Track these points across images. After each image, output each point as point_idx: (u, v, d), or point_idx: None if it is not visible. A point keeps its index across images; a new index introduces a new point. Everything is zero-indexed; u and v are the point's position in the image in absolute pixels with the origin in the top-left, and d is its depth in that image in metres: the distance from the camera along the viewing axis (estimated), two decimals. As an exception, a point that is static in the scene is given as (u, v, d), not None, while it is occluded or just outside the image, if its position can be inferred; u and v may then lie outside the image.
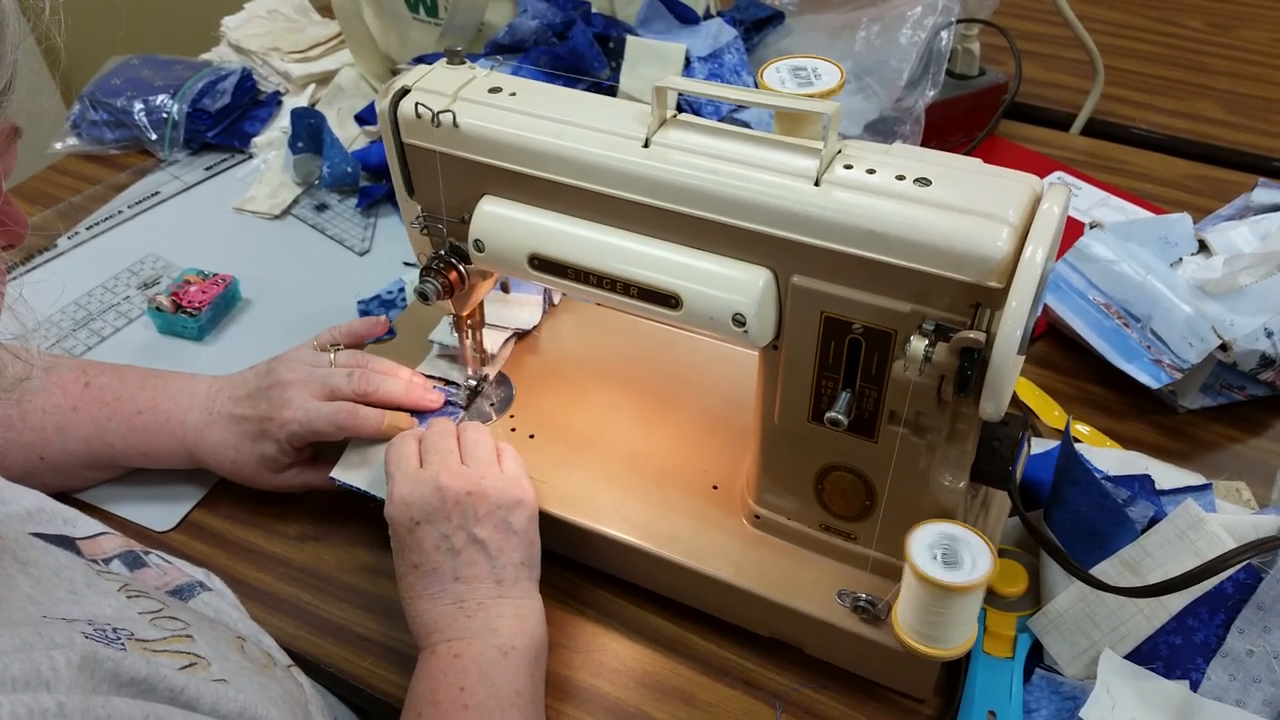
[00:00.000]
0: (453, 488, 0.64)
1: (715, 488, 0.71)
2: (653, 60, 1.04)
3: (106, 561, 0.61)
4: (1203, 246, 0.87)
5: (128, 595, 0.52)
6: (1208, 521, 0.62)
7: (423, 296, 0.68)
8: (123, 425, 0.75)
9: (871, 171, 0.55)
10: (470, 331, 0.75)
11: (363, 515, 0.78)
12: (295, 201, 1.10)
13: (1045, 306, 0.85)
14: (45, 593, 0.48)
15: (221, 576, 0.74)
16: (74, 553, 0.57)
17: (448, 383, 0.79)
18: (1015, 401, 0.83)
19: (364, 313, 0.93)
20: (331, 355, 0.75)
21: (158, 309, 0.93)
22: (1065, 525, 0.66)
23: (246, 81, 1.20)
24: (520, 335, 0.83)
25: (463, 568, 0.64)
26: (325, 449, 0.77)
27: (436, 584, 0.64)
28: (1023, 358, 0.53)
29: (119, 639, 0.45)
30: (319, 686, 0.71)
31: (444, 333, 0.81)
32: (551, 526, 0.71)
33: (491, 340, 0.80)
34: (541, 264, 0.63)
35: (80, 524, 0.64)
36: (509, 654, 0.62)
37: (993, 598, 0.68)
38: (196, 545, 0.77)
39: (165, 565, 0.64)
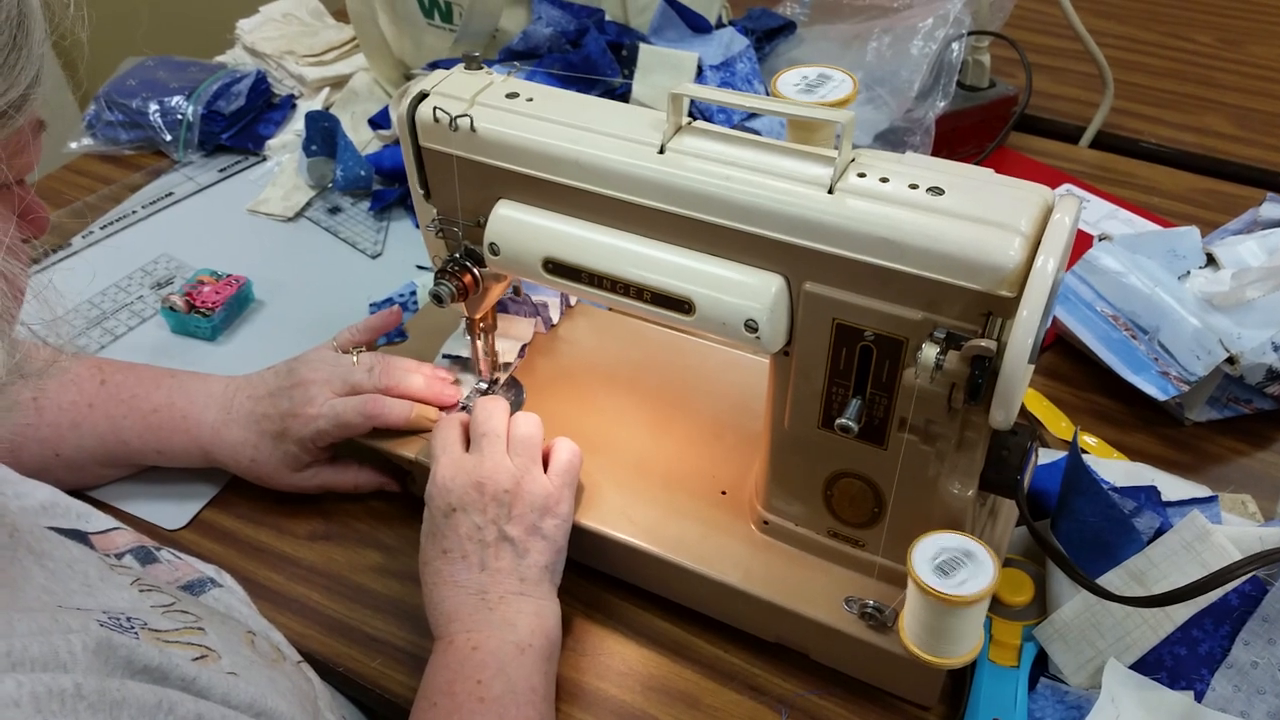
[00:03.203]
0: (493, 482, 0.65)
1: (724, 493, 0.72)
2: (665, 68, 1.04)
3: (119, 556, 0.61)
4: (1211, 260, 0.88)
5: (140, 589, 0.52)
6: (1213, 533, 0.62)
7: (437, 299, 0.69)
8: (138, 423, 0.76)
9: (885, 180, 0.55)
10: (483, 334, 0.76)
11: (374, 515, 0.79)
12: (308, 204, 1.11)
13: (1054, 318, 0.86)
14: (60, 584, 0.48)
15: (232, 575, 0.75)
16: (87, 547, 0.57)
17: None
18: (1023, 412, 0.83)
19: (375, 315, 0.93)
20: (354, 356, 0.76)
21: (171, 309, 0.94)
22: (1072, 535, 0.67)
23: (261, 84, 1.21)
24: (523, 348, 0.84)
25: (490, 560, 0.65)
26: (343, 450, 0.78)
27: (463, 572, 0.65)
28: (1033, 367, 0.54)
29: (133, 628, 0.45)
30: (328, 685, 0.72)
31: (451, 347, 0.82)
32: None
33: (505, 351, 0.81)
34: (556, 268, 0.63)
35: (93, 519, 0.64)
36: (526, 651, 0.62)
37: (999, 606, 0.68)
38: (207, 544, 0.78)
39: (176, 561, 0.65)
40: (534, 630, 0.63)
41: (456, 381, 0.79)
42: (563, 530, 0.67)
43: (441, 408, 0.77)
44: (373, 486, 0.79)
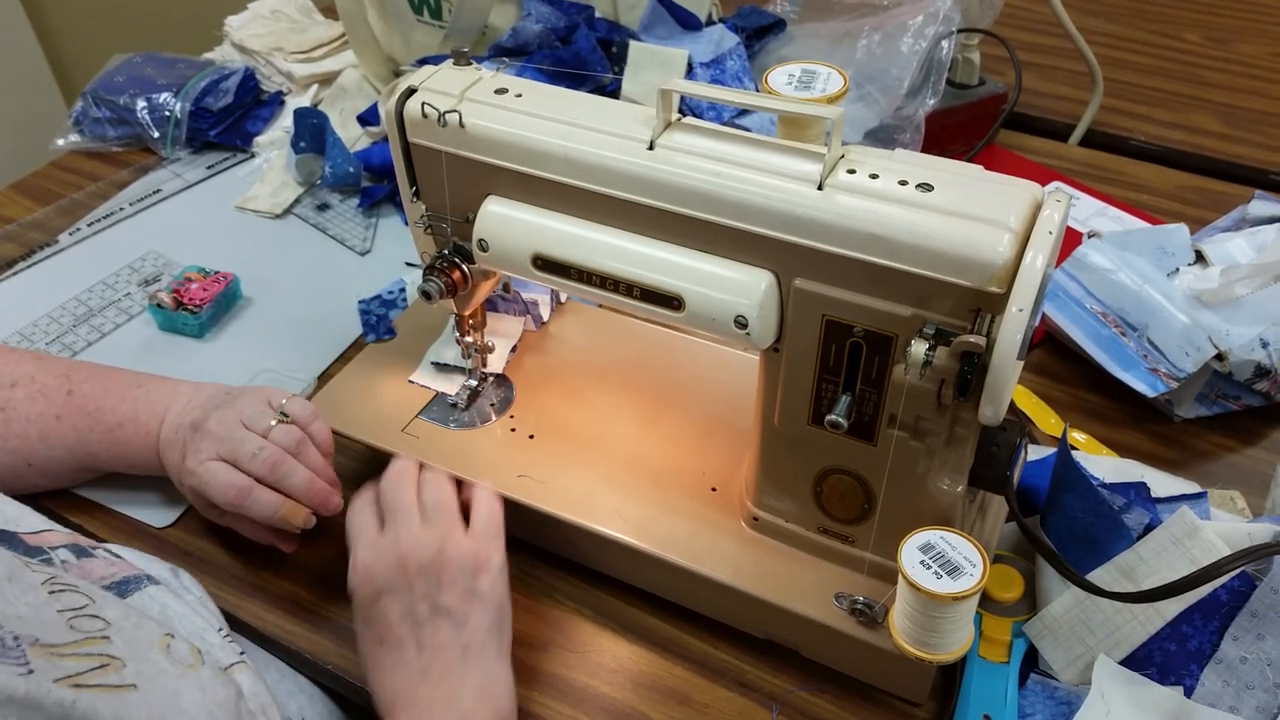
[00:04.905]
0: (414, 557, 0.62)
1: (714, 490, 0.72)
2: (655, 65, 1.04)
3: (53, 549, 0.60)
4: (1199, 257, 0.88)
5: (50, 591, 0.51)
6: (1203, 529, 0.62)
7: (426, 295, 0.69)
8: (104, 437, 0.75)
9: (874, 176, 0.55)
10: (472, 331, 0.76)
11: (362, 513, 0.79)
12: (297, 201, 1.10)
13: (1043, 315, 0.86)
14: None
15: (218, 573, 0.75)
16: (10, 546, 0.57)
17: (439, 393, 0.79)
18: (1012, 408, 0.84)
19: (364, 312, 0.93)
20: (275, 419, 0.72)
21: (159, 306, 0.93)
22: (1061, 531, 0.67)
23: (249, 81, 1.21)
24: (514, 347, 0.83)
25: (427, 637, 0.62)
26: None
27: (400, 656, 0.62)
28: (1022, 363, 0.54)
29: (19, 646, 0.44)
30: (318, 686, 0.72)
31: (438, 353, 0.81)
32: (550, 527, 0.71)
33: (495, 349, 0.80)
34: (545, 264, 0.63)
35: (25, 520, 0.64)
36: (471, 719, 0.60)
37: (989, 603, 0.68)
38: (194, 541, 0.77)
39: (113, 559, 0.63)
40: (480, 698, 0.60)
41: (337, 487, 0.74)
42: (500, 585, 0.64)
43: (317, 515, 0.72)
44: (265, 541, 0.75)
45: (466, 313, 0.74)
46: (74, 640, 0.48)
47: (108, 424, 0.75)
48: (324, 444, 0.74)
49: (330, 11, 1.29)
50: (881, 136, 1.03)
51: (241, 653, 0.63)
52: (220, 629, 0.63)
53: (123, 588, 0.61)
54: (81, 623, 0.50)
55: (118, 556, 0.64)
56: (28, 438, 0.74)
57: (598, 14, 1.10)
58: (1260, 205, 0.95)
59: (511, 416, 0.77)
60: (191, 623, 0.62)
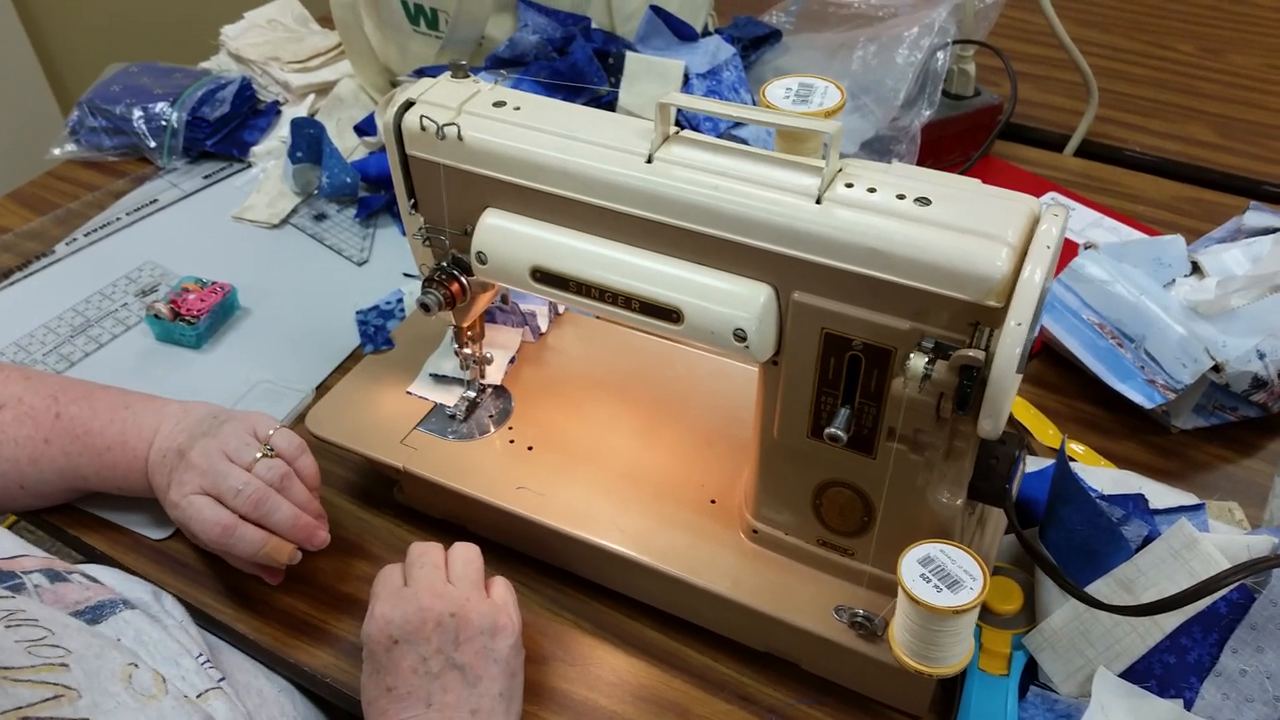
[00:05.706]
0: (435, 608, 0.62)
1: (713, 502, 0.72)
2: (652, 76, 1.04)
3: (26, 574, 0.60)
4: (1196, 268, 0.88)
5: (7, 625, 0.51)
6: (1201, 541, 0.62)
7: (425, 308, 0.69)
8: (94, 461, 0.74)
9: (872, 190, 0.55)
10: (471, 343, 0.76)
11: (360, 524, 0.79)
12: (294, 211, 1.10)
13: (1040, 326, 0.86)
14: None
15: (215, 585, 0.74)
16: None
17: (437, 405, 0.79)
18: (1011, 420, 0.84)
19: (362, 323, 0.93)
20: (260, 451, 0.71)
21: (156, 316, 0.93)
22: (1060, 543, 0.67)
23: (246, 90, 1.21)
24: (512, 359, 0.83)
25: (437, 693, 0.60)
26: None
27: (408, 709, 0.60)
28: (1020, 376, 0.54)
29: None
30: (287, 698, 0.71)
31: (436, 364, 0.81)
32: (548, 539, 0.71)
33: (493, 360, 0.80)
34: (543, 277, 0.63)
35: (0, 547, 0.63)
36: None
37: (988, 615, 0.68)
38: (191, 553, 0.77)
39: (88, 584, 0.63)
40: None
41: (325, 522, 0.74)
42: (516, 653, 0.64)
43: (304, 550, 0.72)
44: (251, 572, 0.75)
45: (465, 324, 0.74)
46: (31, 665, 0.48)
47: (96, 448, 0.74)
48: (310, 478, 0.73)
49: (326, 21, 1.29)
50: (877, 147, 1.03)
51: (220, 679, 0.62)
52: (199, 654, 0.63)
53: (96, 613, 0.60)
54: (39, 651, 0.50)
55: (94, 580, 0.63)
56: (17, 461, 0.74)
57: (594, 25, 1.10)
58: (1255, 216, 0.95)
59: (510, 428, 0.77)
60: (165, 648, 0.61)
